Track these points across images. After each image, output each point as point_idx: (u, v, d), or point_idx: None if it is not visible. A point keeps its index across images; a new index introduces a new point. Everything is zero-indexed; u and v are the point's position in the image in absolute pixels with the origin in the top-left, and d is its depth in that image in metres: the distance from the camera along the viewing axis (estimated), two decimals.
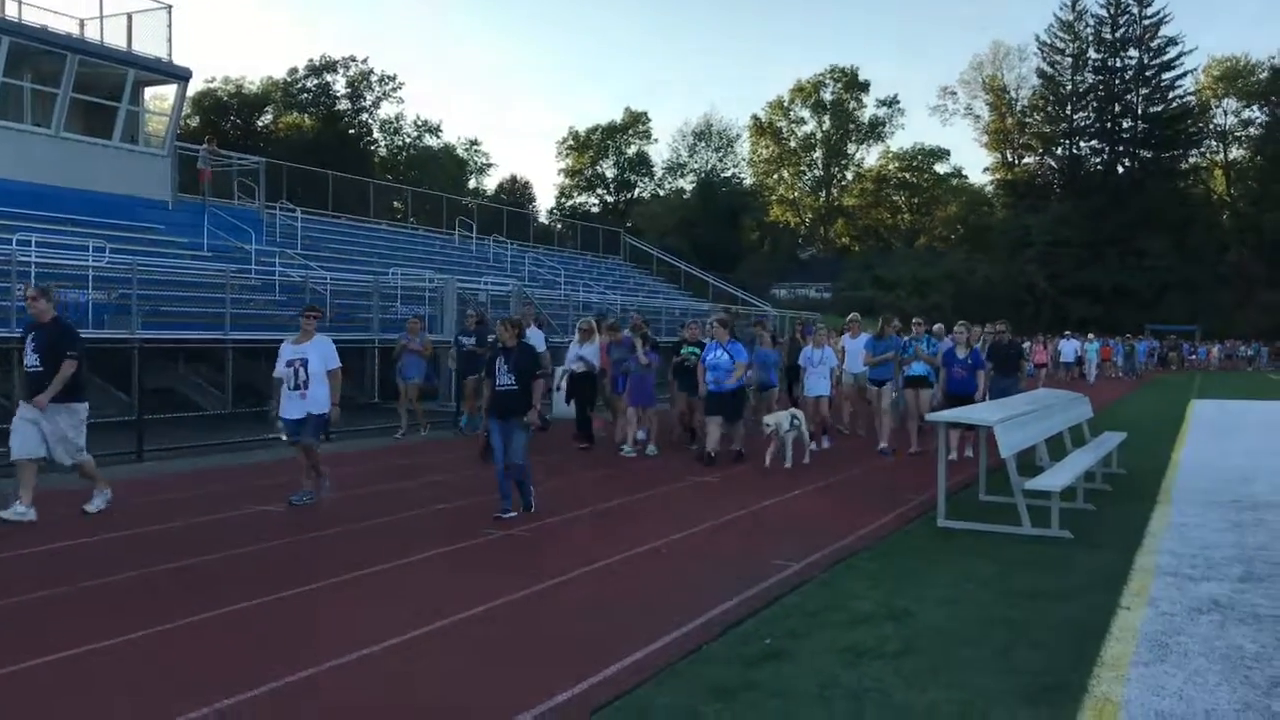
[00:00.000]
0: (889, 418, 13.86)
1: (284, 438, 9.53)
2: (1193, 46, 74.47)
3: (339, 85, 68.84)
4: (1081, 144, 73.32)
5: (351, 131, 67.90)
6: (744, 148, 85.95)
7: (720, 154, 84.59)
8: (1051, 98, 73.28)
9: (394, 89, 70.47)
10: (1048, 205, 69.47)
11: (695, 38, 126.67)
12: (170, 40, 22.94)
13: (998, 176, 78.89)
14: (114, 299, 16.71)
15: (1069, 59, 72.28)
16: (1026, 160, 77.17)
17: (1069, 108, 72.48)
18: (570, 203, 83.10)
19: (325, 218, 31.02)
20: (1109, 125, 71.24)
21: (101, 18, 22.46)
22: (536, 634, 5.57)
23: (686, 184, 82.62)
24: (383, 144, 73.18)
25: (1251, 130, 73.89)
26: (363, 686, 4.73)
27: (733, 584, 6.46)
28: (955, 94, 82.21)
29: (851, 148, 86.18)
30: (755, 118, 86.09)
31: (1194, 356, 54.67)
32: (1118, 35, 70.81)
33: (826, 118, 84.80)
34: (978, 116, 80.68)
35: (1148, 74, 70.29)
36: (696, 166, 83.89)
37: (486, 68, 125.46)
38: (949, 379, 12.62)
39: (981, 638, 5.46)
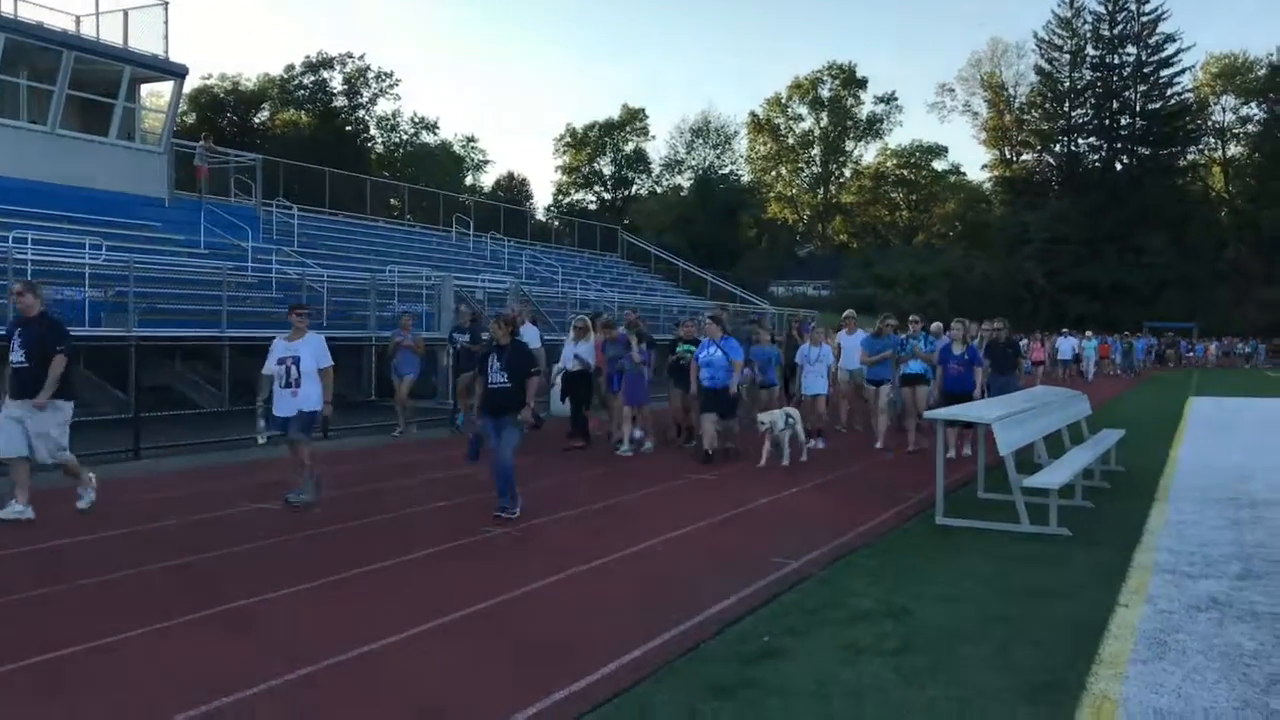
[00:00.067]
0: (886, 416, 13.85)
1: (260, 440, 9.40)
2: (1191, 43, 74.83)
3: (336, 82, 68.95)
4: (1080, 141, 73.38)
5: (348, 128, 67.88)
6: (742, 144, 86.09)
7: (718, 151, 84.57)
8: (1050, 94, 73.28)
9: (391, 85, 70.62)
10: (1046, 202, 69.50)
11: (693, 34, 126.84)
12: (166, 37, 22.95)
13: (996, 173, 79.01)
14: (110, 297, 16.69)
15: (1067, 56, 72.31)
16: (1025, 157, 77.27)
17: (1067, 104, 72.48)
18: (567, 200, 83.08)
19: (322, 215, 31.00)
20: (1107, 122, 71.29)
21: (98, 14, 22.47)
22: (534, 632, 5.56)
23: (684, 181, 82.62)
24: (380, 141, 73.22)
25: (1249, 127, 74.05)
26: (361, 685, 4.72)
27: (731, 582, 6.46)
28: (953, 91, 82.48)
29: (849, 145, 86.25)
30: (753, 114, 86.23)
31: (1191, 354, 54.78)
32: (1116, 32, 70.84)
33: (824, 114, 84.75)
34: (976, 113, 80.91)
35: (1146, 71, 70.32)
36: (694, 163, 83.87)
37: (483, 64, 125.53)
38: (945, 376, 12.59)
39: (980, 635, 5.45)
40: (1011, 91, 78.26)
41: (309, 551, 7.50)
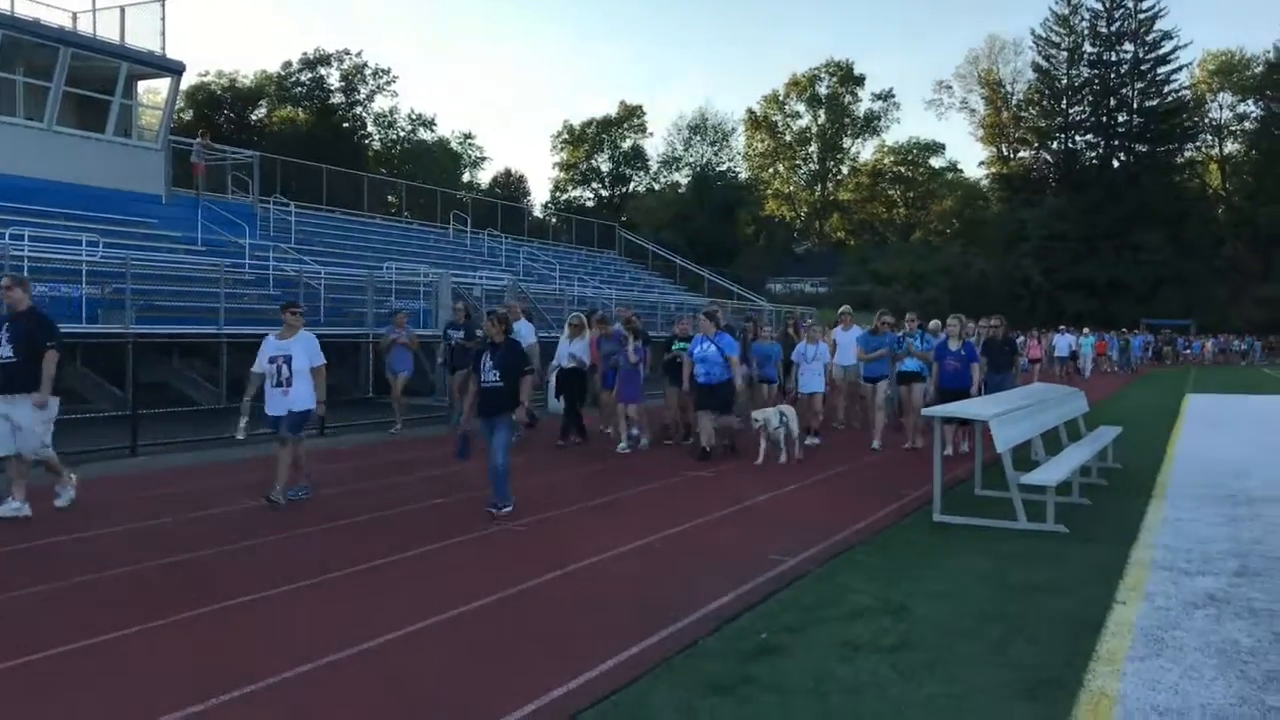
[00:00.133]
0: (883, 414, 13.86)
1: (238, 435, 9.33)
2: (1188, 40, 74.35)
3: (333, 79, 68.84)
4: (1077, 138, 73.40)
5: (346, 125, 67.77)
6: (739, 142, 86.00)
7: (715, 148, 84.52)
8: (1047, 92, 73.28)
9: (388, 82, 70.55)
10: (1043, 199, 69.52)
11: (691, 31, 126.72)
12: (163, 33, 22.95)
13: (993, 171, 78.98)
14: (108, 294, 16.67)
15: (1064, 53, 72.29)
16: (1022, 154, 77.26)
17: (1064, 102, 72.49)
18: (565, 196, 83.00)
19: (319, 212, 30.99)
20: (1104, 119, 71.30)
21: (94, 11, 22.44)
22: (532, 629, 5.56)
23: (682, 178, 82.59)
24: (377, 138, 73.11)
25: (1246, 124, 74.10)
26: (359, 682, 4.72)
27: (728, 579, 6.46)
28: (950, 88, 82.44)
29: (847, 142, 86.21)
30: (750, 111, 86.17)
31: (1188, 351, 54.82)
32: (1113, 29, 70.83)
33: (822, 112, 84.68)
34: (973, 110, 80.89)
35: (1143, 68, 70.33)
36: (692, 160, 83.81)
37: (480, 61, 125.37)
38: (941, 372, 12.57)
39: (977, 632, 5.46)
40: (1009, 89, 78.36)
41: (306, 549, 7.50)
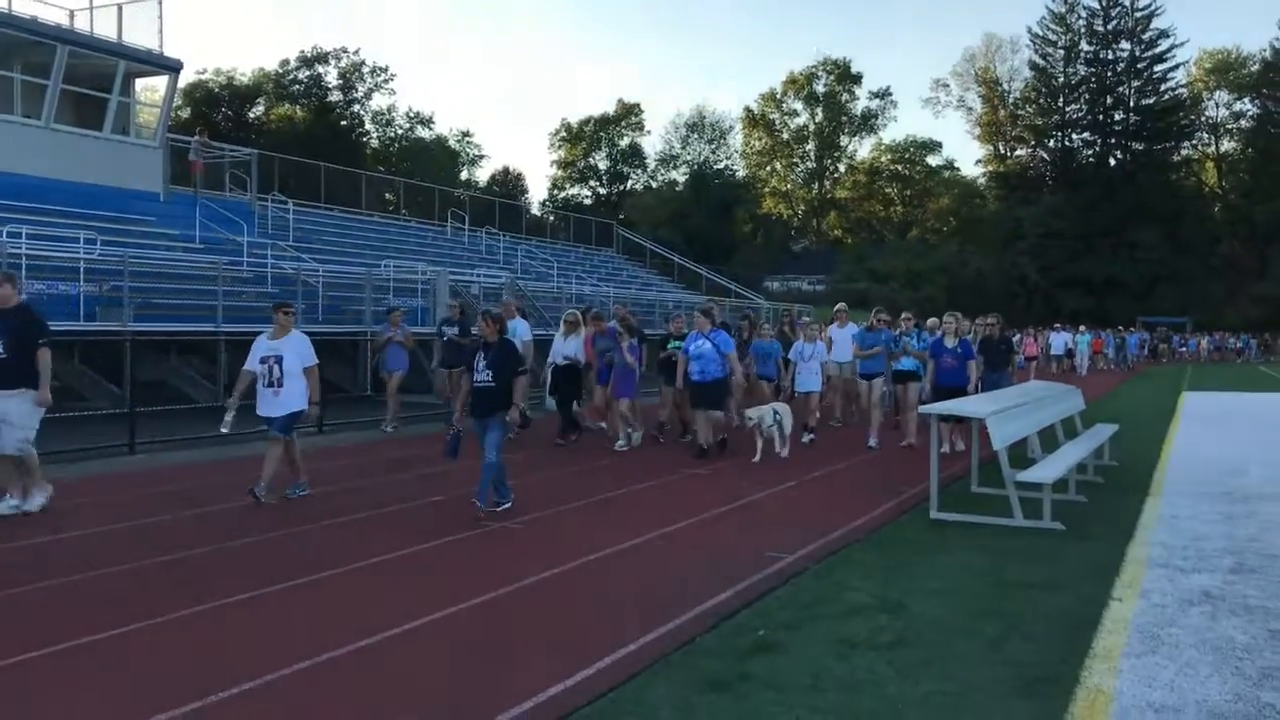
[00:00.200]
0: (879, 412, 13.87)
1: (223, 430, 9.27)
2: (1184, 39, 74.85)
3: (331, 77, 68.80)
4: (1073, 136, 73.54)
5: (343, 123, 67.72)
6: (736, 140, 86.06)
7: (713, 146, 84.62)
8: (1043, 90, 73.38)
9: (386, 80, 70.47)
10: (1040, 197, 69.65)
11: (688, 29, 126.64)
12: (161, 31, 22.88)
13: (990, 169, 79.09)
14: (105, 291, 16.65)
15: (1061, 51, 72.43)
16: (1018, 152, 77.43)
17: (1061, 100, 72.61)
18: (563, 194, 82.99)
19: (317, 210, 30.93)
20: (1101, 118, 71.39)
21: (92, 9, 22.38)
22: (530, 626, 5.58)
23: (679, 176, 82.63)
24: (375, 136, 73.04)
25: (1243, 123, 74.22)
26: (358, 679, 4.73)
27: (725, 576, 6.47)
28: (947, 86, 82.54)
29: (844, 140, 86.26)
30: (748, 109, 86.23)
31: (1184, 349, 54.90)
32: (1110, 27, 70.95)
33: (819, 110, 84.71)
34: (970, 109, 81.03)
35: (1139, 66, 70.45)
36: (689, 158, 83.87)
37: (479, 59, 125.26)
38: (938, 370, 12.58)
39: (974, 629, 5.48)
40: (1005, 87, 78.46)
41: (305, 546, 7.51)
